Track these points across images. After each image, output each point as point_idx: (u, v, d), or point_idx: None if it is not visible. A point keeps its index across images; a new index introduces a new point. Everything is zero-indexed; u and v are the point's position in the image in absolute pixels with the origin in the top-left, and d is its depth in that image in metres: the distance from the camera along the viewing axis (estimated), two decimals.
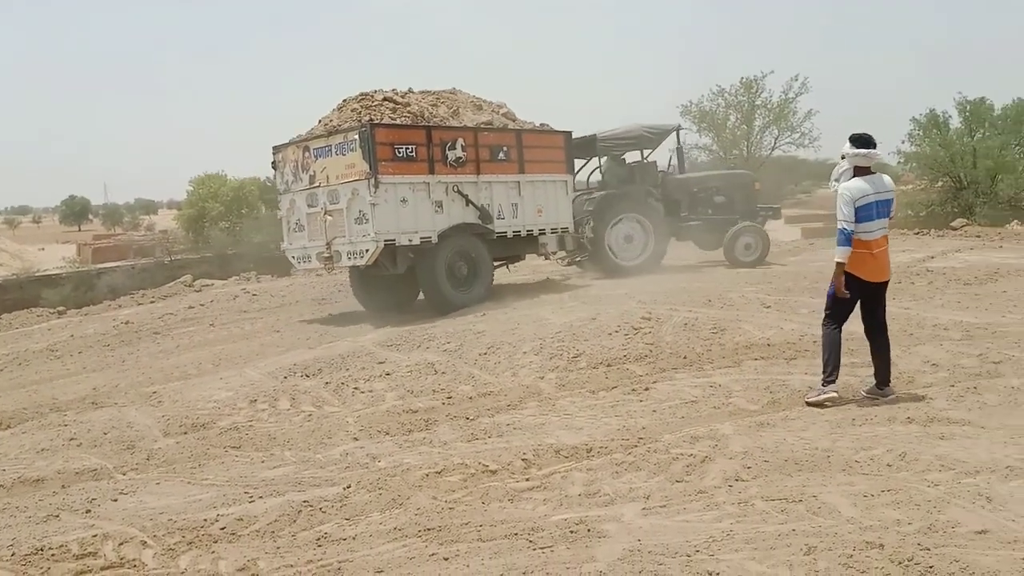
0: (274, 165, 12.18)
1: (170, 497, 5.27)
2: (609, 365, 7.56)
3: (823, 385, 6.14)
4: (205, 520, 4.78)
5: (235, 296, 14.58)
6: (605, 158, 14.91)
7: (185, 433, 6.83)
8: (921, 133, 26.51)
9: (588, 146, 14.37)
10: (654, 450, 5.31)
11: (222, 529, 4.65)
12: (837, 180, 6.12)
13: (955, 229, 19.62)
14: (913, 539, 3.74)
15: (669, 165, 15.41)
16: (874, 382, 6.17)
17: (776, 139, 33.71)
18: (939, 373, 6.64)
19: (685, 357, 7.57)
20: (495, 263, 12.68)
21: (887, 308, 6.36)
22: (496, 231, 11.93)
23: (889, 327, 7.76)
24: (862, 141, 6.04)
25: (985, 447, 4.88)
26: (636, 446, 5.42)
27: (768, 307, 9.21)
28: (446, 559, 4.02)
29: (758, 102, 33.20)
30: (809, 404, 6.09)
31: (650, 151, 15.19)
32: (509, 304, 10.96)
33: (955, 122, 35.08)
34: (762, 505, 4.33)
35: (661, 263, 14.28)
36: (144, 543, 4.50)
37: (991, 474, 4.45)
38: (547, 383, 7.28)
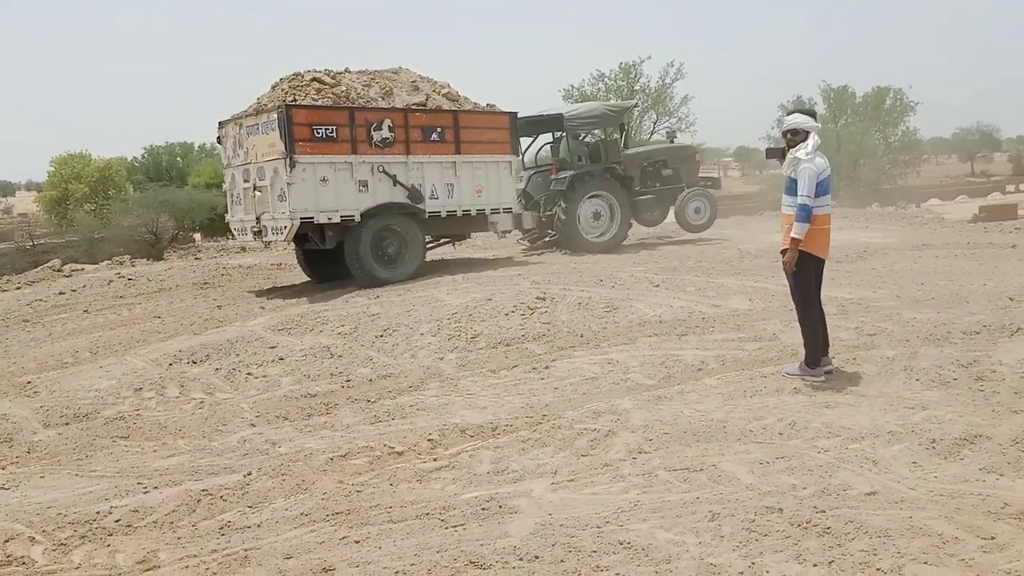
0: (219, 140, 12.46)
1: (57, 491, 5.01)
2: (508, 345, 7.61)
3: (808, 366, 5.94)
4: (97, 513, 4.57)
5: (109, 281, 13.83)
6: (566, 136, 15.08)
7: (67, 424, 6.48)
8: None
9: (554, 124, 14.72)
10: (558, 426, 5.40)
11: (116, 521, 4.46)
12: (808, 155, 5.70)
13: None
14: (809, 502, 3.95)
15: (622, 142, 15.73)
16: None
17: (655, 123, 34.60)
18: None
19: (582, 335, 7.70)
20: (435, 241, 13.10)
21: None
22: (428, 211, 12.01)
23: (769, 304, 8.15)
24: (815, 116, 5.87)
25: (867, 414, 5.18)
26: (540, 423, 5.50)
27: (656, 286, 9.45)
28: (357, 542, 3.98)
29: (637, 87, 33.96)
30: (787, 375, 6.01)
31: (612, 129, 15.63)
32: (403, 286, 10.89)
33: (820, 108, 37.03)
34: (666, 475, 4.47)
35: (624, 240, 14.61)
36: (32, 539, 4.27)
37: (875, 439, 4.74)
38: (447, 364, 7.26)
